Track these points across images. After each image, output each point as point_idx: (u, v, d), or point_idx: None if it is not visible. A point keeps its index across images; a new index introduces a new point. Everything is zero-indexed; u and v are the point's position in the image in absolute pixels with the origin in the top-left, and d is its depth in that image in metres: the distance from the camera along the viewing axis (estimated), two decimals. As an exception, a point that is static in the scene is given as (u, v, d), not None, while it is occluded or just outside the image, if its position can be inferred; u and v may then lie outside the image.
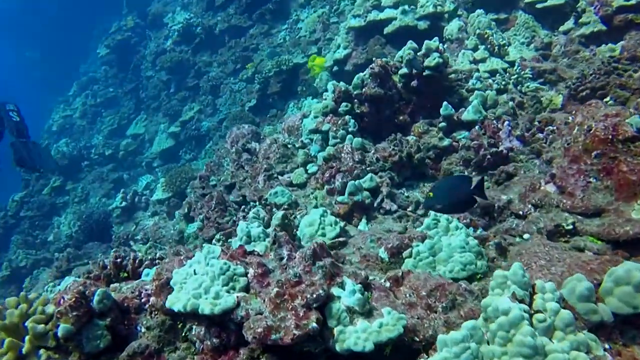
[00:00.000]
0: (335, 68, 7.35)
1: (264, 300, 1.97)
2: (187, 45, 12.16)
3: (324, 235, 3.38)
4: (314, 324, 1.82)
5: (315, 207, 4.30)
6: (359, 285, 2.06)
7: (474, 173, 3.85)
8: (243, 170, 5.25)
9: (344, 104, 4.69)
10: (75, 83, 16.36)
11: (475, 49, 6.04)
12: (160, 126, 12.12)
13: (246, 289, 2.03)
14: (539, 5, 6.20)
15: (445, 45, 6.37)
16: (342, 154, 4.08)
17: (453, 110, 4.23)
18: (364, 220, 3.76)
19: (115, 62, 14.60)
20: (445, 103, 4.26)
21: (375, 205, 3.81)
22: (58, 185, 11.24)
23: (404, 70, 4.73)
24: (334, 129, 4.46)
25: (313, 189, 4.38)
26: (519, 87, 4.96)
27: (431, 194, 2.50)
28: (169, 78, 12.18)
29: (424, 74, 4.63)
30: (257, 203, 4.36)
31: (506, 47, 6.14)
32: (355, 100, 4.72)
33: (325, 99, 4.72)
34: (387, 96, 4.70)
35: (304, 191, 4.75)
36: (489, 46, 6.09)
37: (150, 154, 12.07)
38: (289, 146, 5.12)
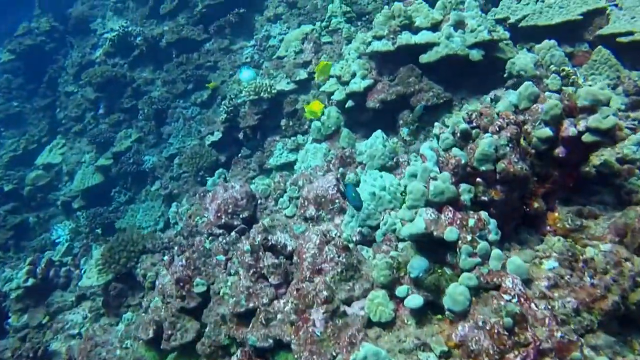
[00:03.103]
0: (350, 103, 5.25)
1: None
2: (123, 58, 9.30)
3: None
4: None
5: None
6: None
7: None
8: (266, 284, 2.93)
9: (464, 186, 2.61)
10: (-39, 91, 12.43)
11: (559, 92, 4.31)
12: (85, 156, 9.08)
13: None
14: (623, 39, 4.66)
15: (511, 82, 4.61)
16: (528, 305, 1.99)
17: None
18: None
19: (22, 70, 11.19)
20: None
21: None
22: None
23: (546, 131, 2.79)
24: (468, 238, 2.35)
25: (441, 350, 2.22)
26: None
27: None
28: (97, 96, 9.22)
29: (583, 139, 2.73)
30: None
31: (590, 92, 4.51)
32: (480, 179, 2.67)
33: (434, 179, 2.59)
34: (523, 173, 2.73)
35: (394, 334, 2.56)
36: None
37: (70, 192, 8.97)
38: (350, 245, 2.90)
